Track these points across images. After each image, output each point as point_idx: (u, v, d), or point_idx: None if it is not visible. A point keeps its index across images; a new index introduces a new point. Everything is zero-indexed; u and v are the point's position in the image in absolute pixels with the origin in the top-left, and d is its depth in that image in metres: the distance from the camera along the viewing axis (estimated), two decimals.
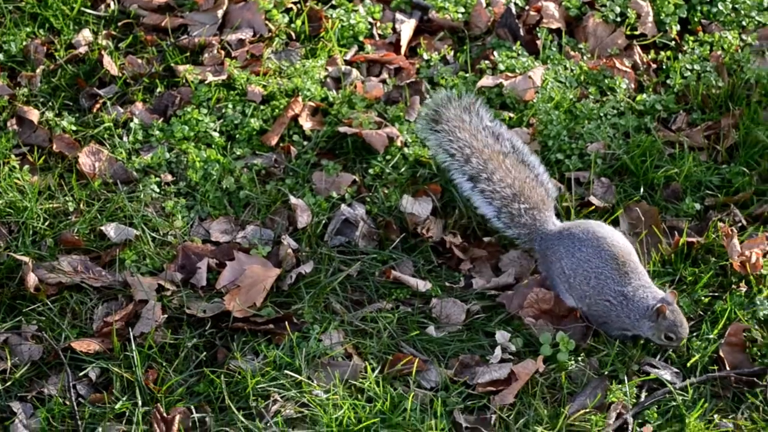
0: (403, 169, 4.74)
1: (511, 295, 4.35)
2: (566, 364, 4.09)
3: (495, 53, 5.16)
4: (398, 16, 5.34)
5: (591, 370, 4.09)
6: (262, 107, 4.92)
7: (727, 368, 4.15)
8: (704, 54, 5.19)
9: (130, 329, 4.12)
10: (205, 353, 4.10)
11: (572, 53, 5.22)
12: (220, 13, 5.27)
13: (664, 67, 5.20)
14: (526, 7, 5.36)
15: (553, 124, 4.88)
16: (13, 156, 4.69)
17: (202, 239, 4.50)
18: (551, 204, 4.48)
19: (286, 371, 4.00)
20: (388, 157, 4.77)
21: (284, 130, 4.85)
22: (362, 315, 4.27)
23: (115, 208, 4.55)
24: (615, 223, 4.55)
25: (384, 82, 5.09)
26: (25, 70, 5.04)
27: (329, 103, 4.97)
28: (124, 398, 3.95)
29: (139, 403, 3.92)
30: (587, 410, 3.96)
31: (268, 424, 3.87)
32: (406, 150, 4.78)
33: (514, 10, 5.30)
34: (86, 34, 5.16)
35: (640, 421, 3.97)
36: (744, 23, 5.32)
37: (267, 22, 5.25)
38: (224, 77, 5.00)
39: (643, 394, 4.06)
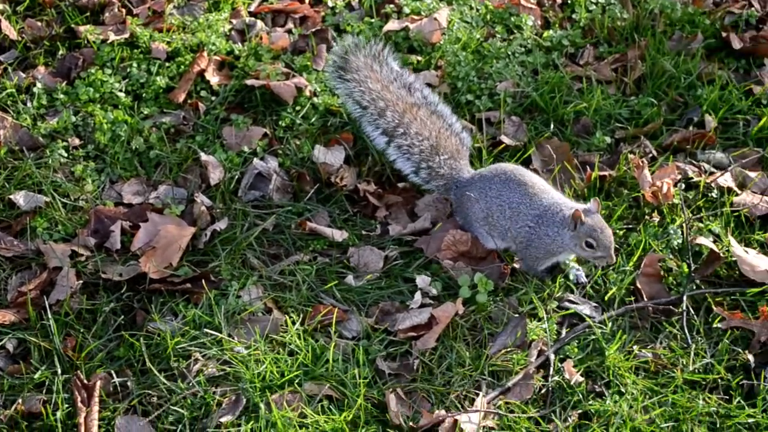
0: (313, 119, 4.71)
1: (428, 239, 4.36)
2: (485, 305, 4.11)
3: None
4: None
5: (510, 309, 4.11)
6: (167, 64, 4.86)
7: (645, 299, 4.19)
8: None
9: (45, 298, 4.07)
10: (123, 317, 4.07)
11: None
12: None
13: (569, 2, 5.21)
14: None
15: (461, 65, 4.87)
16: None
17: (115, 202, 4.45)
18: (466, 153, 4.47)
19: (206, 330, 3.98)
20: (297, 107, 4.73)
21: (191, 86, 4.79)
22: (280, 269, 4.25)
23: (23, 175, 4.48)
24: (527, 162, 4.57)
25: (290, 32, 5.05)
26: None
27: (235, 56, 4.92)
28: (44, 368, 3.91)
29: (59, 371, 3.88)
30: (509, 349, 3.99)
31: (191, 384, 3.85)
32: (315, 100, 4.75)
33: None
34: None
35: (561, 356, 4.00)
36: None
37: None
38: (127, 36, 4.93)
39: (564, 330, 4.10)
